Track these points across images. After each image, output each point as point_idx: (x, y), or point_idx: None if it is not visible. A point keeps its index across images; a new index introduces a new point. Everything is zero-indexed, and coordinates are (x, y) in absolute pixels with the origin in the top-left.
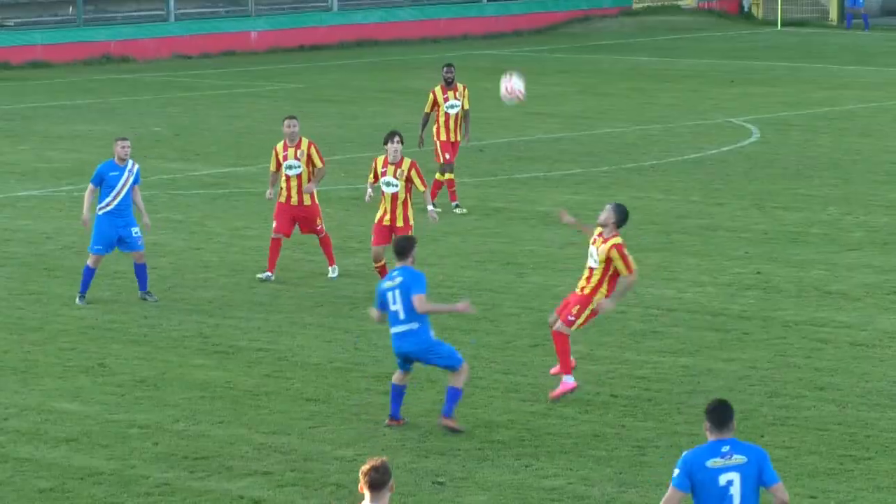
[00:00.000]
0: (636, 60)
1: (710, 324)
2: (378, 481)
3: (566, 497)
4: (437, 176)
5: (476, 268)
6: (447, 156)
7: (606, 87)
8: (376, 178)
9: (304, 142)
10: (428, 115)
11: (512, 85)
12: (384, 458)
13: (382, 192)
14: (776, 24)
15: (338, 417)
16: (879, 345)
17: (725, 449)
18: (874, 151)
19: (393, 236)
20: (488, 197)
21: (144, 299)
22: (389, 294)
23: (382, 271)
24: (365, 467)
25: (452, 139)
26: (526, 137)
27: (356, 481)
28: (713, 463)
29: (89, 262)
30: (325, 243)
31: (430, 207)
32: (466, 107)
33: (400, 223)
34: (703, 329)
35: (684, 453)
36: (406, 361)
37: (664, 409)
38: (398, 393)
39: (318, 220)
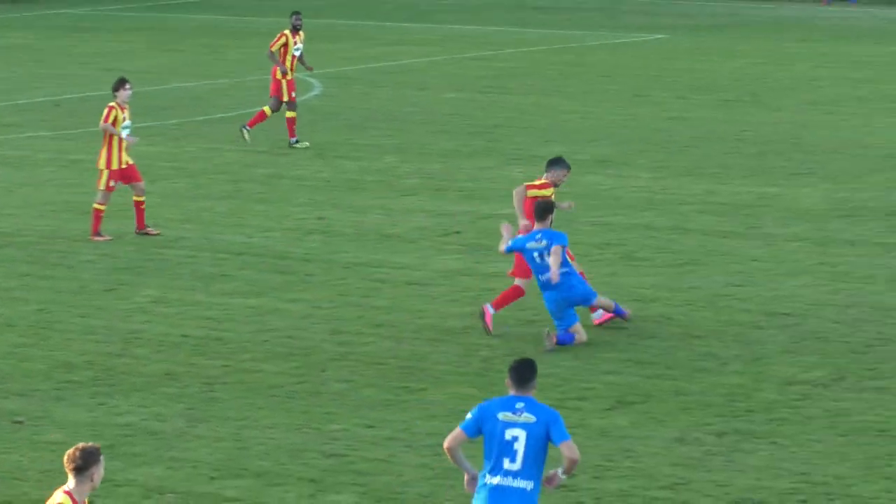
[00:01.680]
0: (206, 18)
1: (275, 267)
2: (79, 466)
3: (140, 432)
4: (289, 114)
5: (51, 217)
6: (293, 94)
7: (177, 44)
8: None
9: None
10: (273, 53)
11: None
12: (94, 444)
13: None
14: None
15: None
16: (433, 283)
17: (519, 406)
18: (430, 103)
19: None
20: (66, 150)
21: None
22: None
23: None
24: (70, 450)
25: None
26: (99, 93)
27: None
28: (504, 416)
29: None
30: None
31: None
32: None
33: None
34: (270, 272)
35: (483, 401)
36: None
37: (232, 347)
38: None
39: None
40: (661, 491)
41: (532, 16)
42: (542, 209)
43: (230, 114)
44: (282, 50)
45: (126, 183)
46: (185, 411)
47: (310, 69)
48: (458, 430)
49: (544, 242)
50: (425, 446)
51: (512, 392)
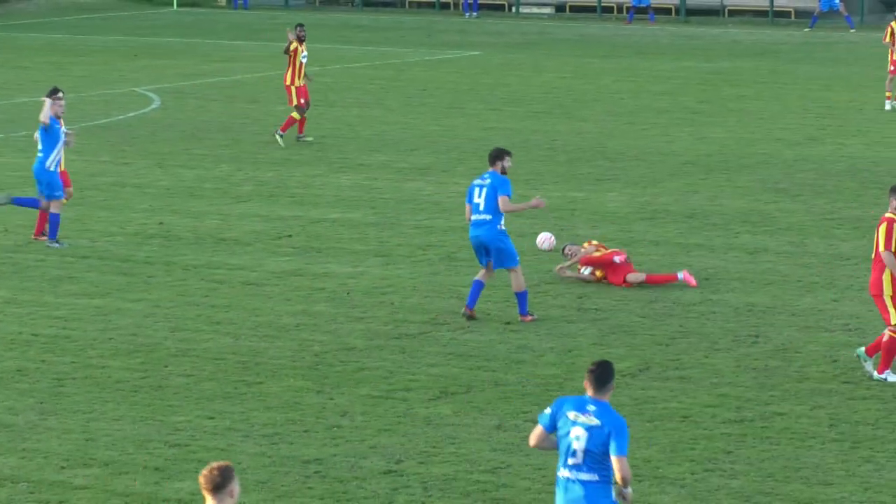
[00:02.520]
0: (51, 38)
1: (119, 269)
2: (218, 484)
3: None
4: (296, 115)
5: None
6: (302, 100)
7: (24, 62)
8: None
9: None
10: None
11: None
12: (227, 463)
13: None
14: (173, 5)
15: None
16: (267, 283)
17: (591, 408)
18: (261, 115)
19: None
20: None
21: None
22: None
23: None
24: (205, 470)
25: (303, 84)
26: None
27: None
28: (573, 415)
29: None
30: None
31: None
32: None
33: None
34: (114, 274)
35: (561, 397)
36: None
37: (79, 345)
38: (478, 288)
39: None
40: (483, 475)
41: (355, 34)
42: (494, 156)
43: (73, 126)
44: (290, 58)
45: None
46: (36, 405)
47: (310, 79)
48: (538, 428)
49: (488, 181)
50: (262, 436)
51: (588, 393)
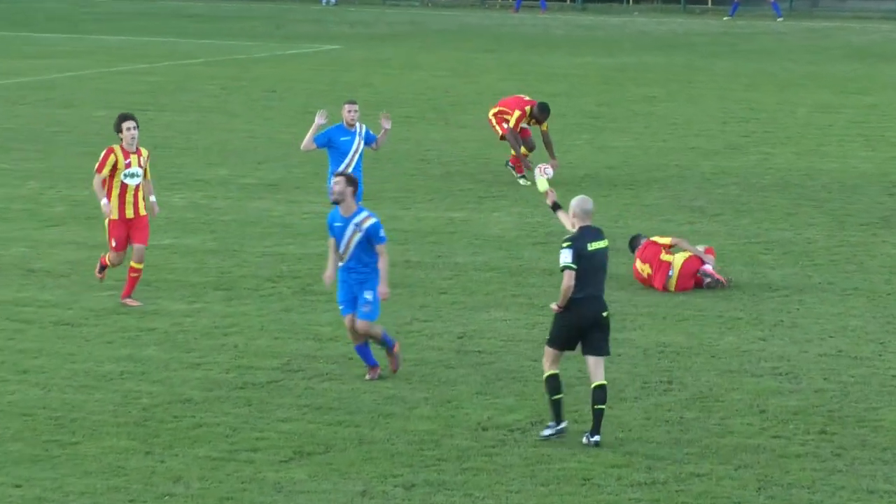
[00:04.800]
0: None
1: None
2: None
3: None
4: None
5: None
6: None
7: None
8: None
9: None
10: None
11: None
12: None
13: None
14: None
15: None
16: (85, 324)
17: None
18: (77, 122)
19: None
20: None
21: None
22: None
23: None
24: None
25: None
26: None
27: None
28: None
29: None
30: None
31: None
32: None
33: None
34: None
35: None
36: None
37: None
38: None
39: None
40: None
41: (189, 25)
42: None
43: None
44: None
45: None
46: None
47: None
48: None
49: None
50: None
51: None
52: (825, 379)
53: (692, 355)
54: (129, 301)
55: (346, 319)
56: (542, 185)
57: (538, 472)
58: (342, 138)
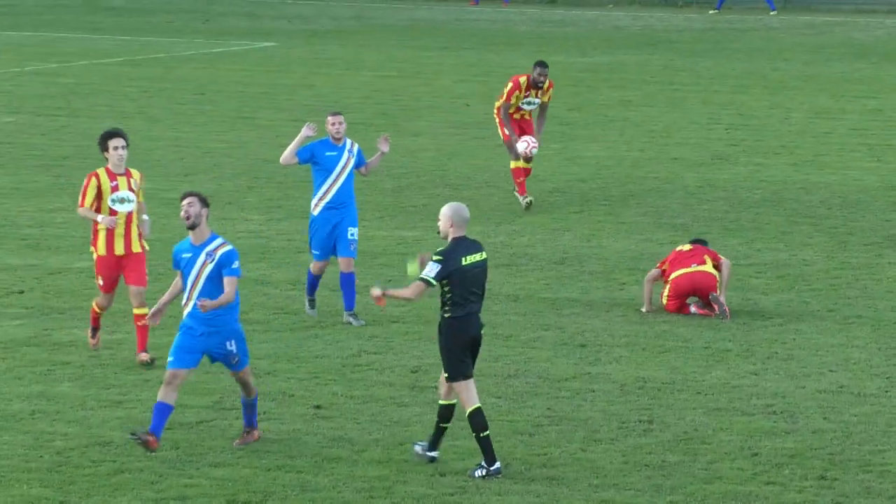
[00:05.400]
0: None
1: None
2: None
3: None
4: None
5: None
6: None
7: None
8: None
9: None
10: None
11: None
12: None
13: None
14: None
15: None
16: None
17: None
18: None
19: None
20: None
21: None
22: None
23: None
24: None
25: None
26: None
27: None
28: None
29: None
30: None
31: None
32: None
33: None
34: None
35: None
36: None
37: None
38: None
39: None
40: None
41: (106, 20)
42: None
43: None
44: None
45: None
46: None
47: None
48: None
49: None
50: None
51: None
52: (825, 418)
53: (675, 391)
54: (144, 356)
55: (169, 373)
56: (413, 269)
57: None
58: (327, 153)
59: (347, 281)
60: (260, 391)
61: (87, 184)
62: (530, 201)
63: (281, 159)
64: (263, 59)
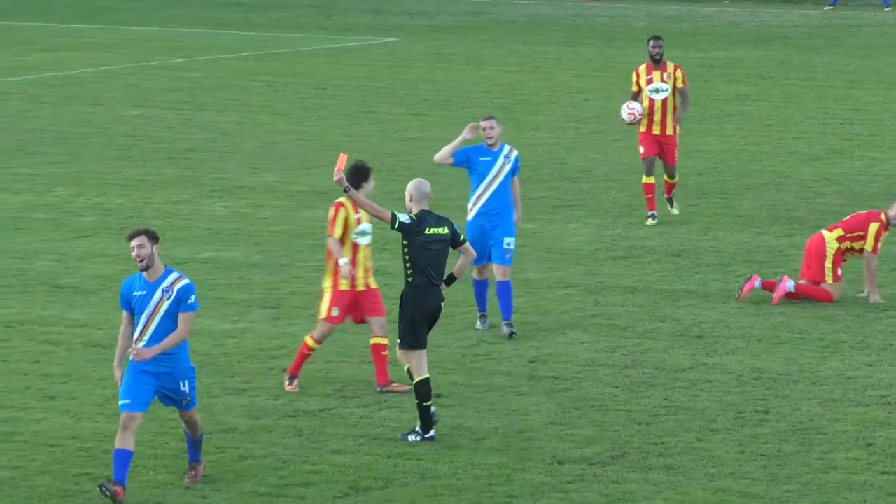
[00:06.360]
0: None
1: None
2: None
3: None
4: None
5: None
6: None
7: None
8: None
9: None
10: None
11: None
12: None
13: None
14: None
15: None
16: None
17: None
18: (107, 122)
19: None
20: None
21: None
22: None
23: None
24: None
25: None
26: None
27: None
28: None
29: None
30: None
31: None
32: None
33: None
34: None
35: None
36: None
37: None
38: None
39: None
40: None
41: (231, 15)
42: None
43: None
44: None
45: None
46: None
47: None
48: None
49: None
50: None
51: None
52: None
53: (791, 382)
54: (396, 386)
55: (125, 417)
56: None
57: None
58: (482, 158)
59: (503, 290)
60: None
61: (336, 214)
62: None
63: (435, 158)
64: (385, 55)
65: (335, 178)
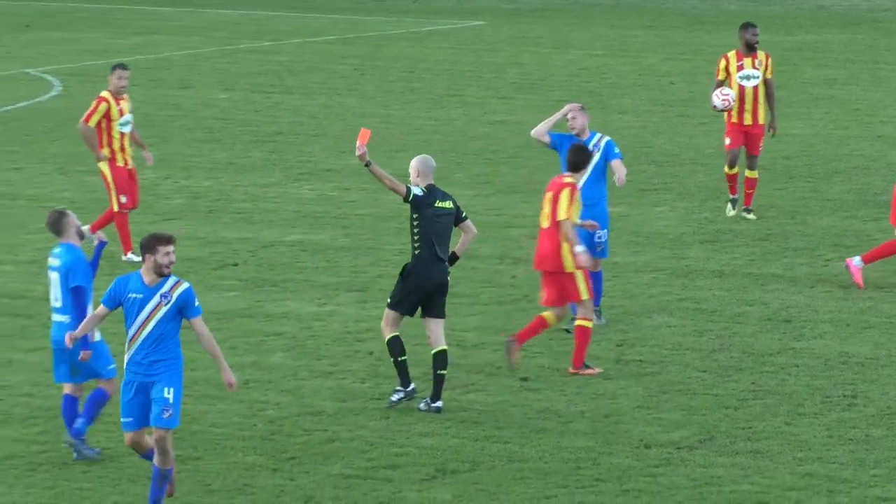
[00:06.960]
0: None
1: (9, 308)
2: None
3: None
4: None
5: None
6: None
7: None
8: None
9: None
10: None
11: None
12: None
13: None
14: None
15: None
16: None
17: None
18: (195, 105)
19: None
20: None
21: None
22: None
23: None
24: None
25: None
26: None
27: None
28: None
29: None
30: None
31: None
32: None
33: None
34: (2, 315)
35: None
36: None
37: None
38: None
39: None
40: None
41: None
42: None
43: None
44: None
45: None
46: None
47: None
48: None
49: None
50: None
51: None
52: None
53: (879, 367)
54: (589, 370)
55: (128, 437)
56: None
57: (707, 494)
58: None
59: (594, 279)
60: (468, 364)
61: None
62: (736, 212)
63: (533, 131)
64: (471, 38)
65: (358, 154)
